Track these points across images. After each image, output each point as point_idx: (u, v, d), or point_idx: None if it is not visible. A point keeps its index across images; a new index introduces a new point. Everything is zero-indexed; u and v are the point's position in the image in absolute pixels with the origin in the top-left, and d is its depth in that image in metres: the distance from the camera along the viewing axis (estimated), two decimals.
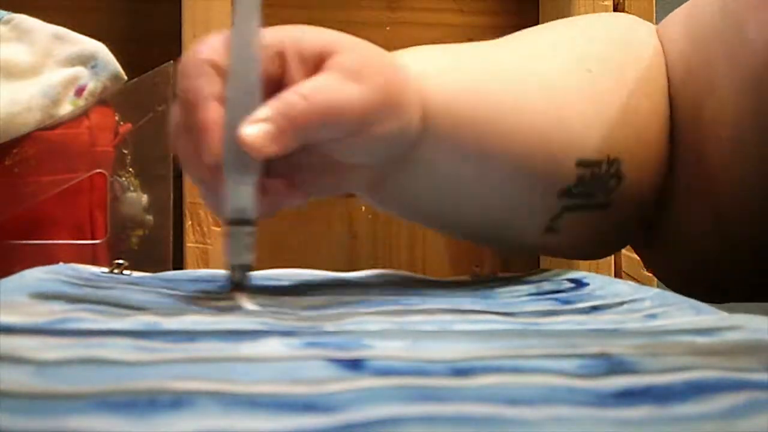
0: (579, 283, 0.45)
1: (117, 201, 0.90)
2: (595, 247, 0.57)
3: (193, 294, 0.41)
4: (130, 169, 0.90)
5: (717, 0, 0.52)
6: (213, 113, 0.40)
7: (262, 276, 0.49)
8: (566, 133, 0.49)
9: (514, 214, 0.50)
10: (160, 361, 0.26)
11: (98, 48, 0.74)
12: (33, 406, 0.21)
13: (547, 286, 0.45)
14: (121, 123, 0.76)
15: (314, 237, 1.22)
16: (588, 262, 1.14)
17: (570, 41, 0.53)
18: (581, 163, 0.49)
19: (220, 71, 0.40)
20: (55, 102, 0.72)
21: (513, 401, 0.22)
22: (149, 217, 0.94)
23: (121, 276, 0.48)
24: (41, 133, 0.71)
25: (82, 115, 0.74)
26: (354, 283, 0.48)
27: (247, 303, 0.38)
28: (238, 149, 0.39)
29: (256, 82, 0.40)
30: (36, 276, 0.41)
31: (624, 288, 0.42)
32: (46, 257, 0.64)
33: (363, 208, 1.11)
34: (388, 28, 1.21)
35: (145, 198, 0.94)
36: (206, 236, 1.10)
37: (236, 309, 0.37)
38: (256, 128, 0.39)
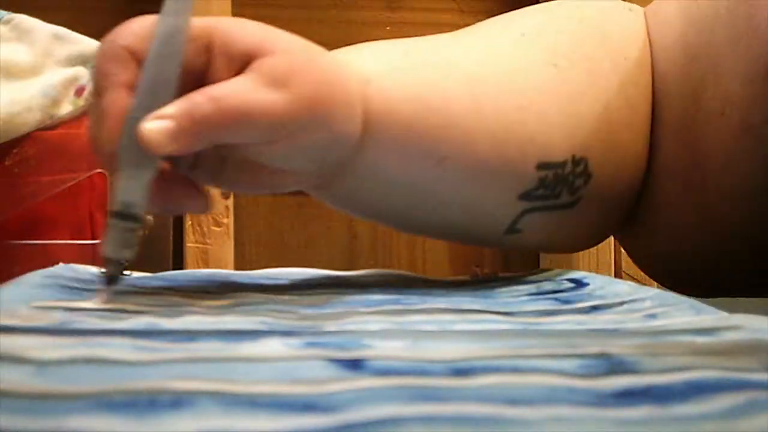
0: (579, 283, 0.45)
1: None
2: (566, 243, 0.56)
3: (193, 294, 0.41)
4: None
5: None
6: (118, 101, 0.38)
7: (262, 276, 0.49)
8: (525, 135, 0.48)
9: (472, 217, 0.49)
10: (160, 361, 0.26)
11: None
12: (33, 406, 0.21)
13: (547, 286, 0.45)
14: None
15: (314, 237, 1.22)
16: (588, 262, 1.14)
17: (538, 33, 0.51)
18: (542, 166, 0.48)
19: (138, 59, 0.39)
20: (55, 102, 0.72)
21: (513, 401, 0.22)
22: (149, 217, 0.94)
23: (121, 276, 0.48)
24: (41, 133, 0.71)
25: (82, 115, 0.74)
26: (354, 283, 0.48)
27: (99, 301, 0.36)
28: (136, 142, 0.37)
29: (173, 75, 0.38)
30: (35, 282, 0.41)
31: (624, 288, 0.42)
32: (46, 257, 0.64)
33: None
34: (388, 28, 1.21)
35: None
36: (206, 236, 1.10)
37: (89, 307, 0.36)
38: (157, 124, 0.37)
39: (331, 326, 0.33)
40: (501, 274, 0.52)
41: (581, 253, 1.07)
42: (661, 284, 0.57)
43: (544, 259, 1.17)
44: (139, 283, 0.45)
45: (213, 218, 1.10)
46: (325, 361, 0.26)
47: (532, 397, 0.23)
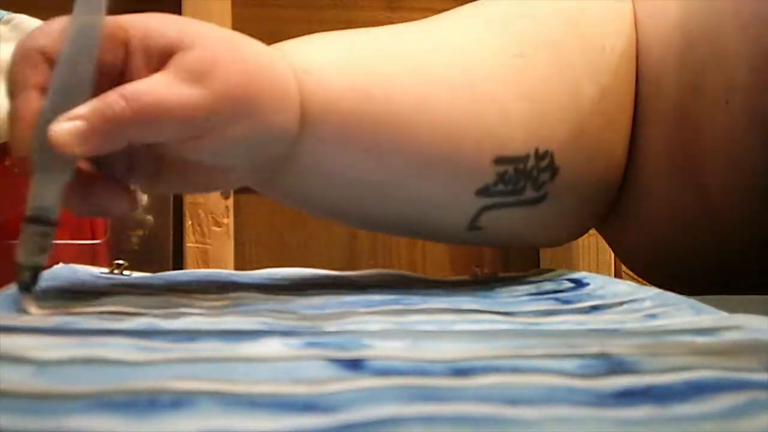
0: (579, 283, 0.45)
1: None
2: (539, 239, 0.54)
3: (193, 294, 0.41)
4: None
5: None
6: (29, 103, 0.37)
7: (262, 276, 0.49)
8: (481, 128, 0.46)
9: (428, 213, 0.48)
10: (160, 361, 0.26)
11: None
12: (33, 406, 0.21)
13: (547, 286, 0.45)
14: None
15: (314, 237, 1.22)
16: (588, 262, 1.14)
17: (504, 21, 0.49)
18: (500, 160, 0.46)
19: (50, 60, 0.38)
20: None
21: (513, 401, 0.22)
22: (149, 217, 0.94)
23: (121, 276, 0.48)
24: None
25: None
26: (354, 283, 0.48)
27: (31, 306, 0.36)
28: (48, 145, 0.37)
29: (87, 74, 0.37)
30: (44, 289, 0.41)
31: (624, 288, 0.42)
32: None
33: None
34: None
35: (145, 198, 0.94)
36: (206, 236, 1.10)
37: (22, 312, 0.35)
38: (68, 125, 0.37)
39: (331, 326, 0.33)
40: (501, 274, 0.52)
41: (581, 253, 1.07)
42: (648, 281, 0.56)
43: (544, 259, 1.17)
44: (139, 283, 0.45)
45: (213, 218, 1.11)
46: (325, 361, 0.26)
47: (532, 397, 0.23)
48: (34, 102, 0.37)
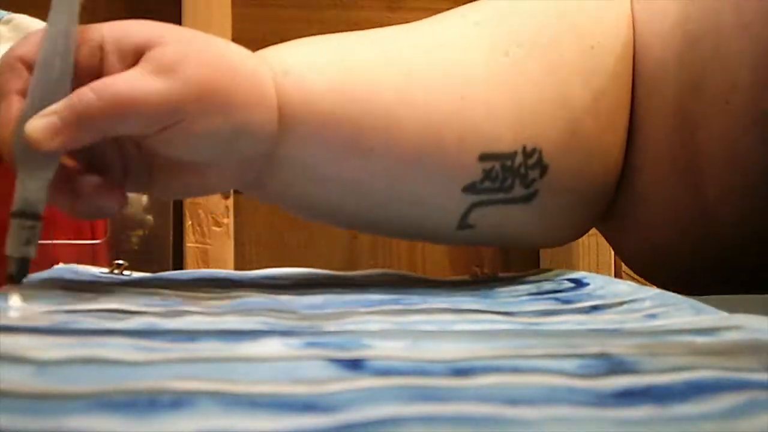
0: (579, 283, 0.45)
1: None
2: (534, 239, 0.54)
3: (193, 294, 0.41)
4: None
5: None
6: (11, 107, 0.39)
7: (262, 276, 0.49)
8: (465, 125, 0.46)
9: (417, 212, 0.48)
10: (160, 361, 0.26)
11: None
12: (33, 406, 0.21)
13: (547, 285, 0.45)
14: None
15: (314, 237, 1.22)
16: (588, 262, 1.14)
17: (493, 22, 0.49)
18: (486, 157, 0.46)
19: (30, 67, 0.40)
20: None
21: (513, 401, 0.22)
22: (149, 217, 0.94)
23: (121, 276, 0.48)
24: None
25: None
26: (354, 283, 0.48)
27: (15, 299, 0.36)
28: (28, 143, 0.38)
29: (64, 76, 0.39)
30: (35, 284, 0.41)
31: (624, 288, 0.42)
32: (46, 257, 0.64)
33: None
34: None
35: (145, 198, 0.94)
36: (206, 236, 1.10)
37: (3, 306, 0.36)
38: (41, 121, 0.38)
39: (331, 326, 0.33)
40: (501, 274, 0.52)
41: (581, 253, 1.07)
42: (648, 281, 0.56)
43: (544, 259, 1.17)
44: (139, 283, 0.45)
45: (213, 218, 1.11)
46: (325, 361, 0.26)
47: (532, 397, 0.23)
48: (15, 106, 0.39)
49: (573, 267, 1.00)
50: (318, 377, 0.24)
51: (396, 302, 0.40)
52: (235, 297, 0.40)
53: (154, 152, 0.42)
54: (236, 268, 1.08)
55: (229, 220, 1.13)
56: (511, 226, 0.50)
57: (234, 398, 0.22)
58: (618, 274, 1.06)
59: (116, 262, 0.49)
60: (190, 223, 1.09)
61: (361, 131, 0.45)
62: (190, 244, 1.10)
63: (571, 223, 0.53)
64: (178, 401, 0.21)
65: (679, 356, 0.27)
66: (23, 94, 0.39)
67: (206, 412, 0.21)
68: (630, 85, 0.51)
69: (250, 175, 0.45)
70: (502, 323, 0.36)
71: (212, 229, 1.10)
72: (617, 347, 0.28)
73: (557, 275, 0.48)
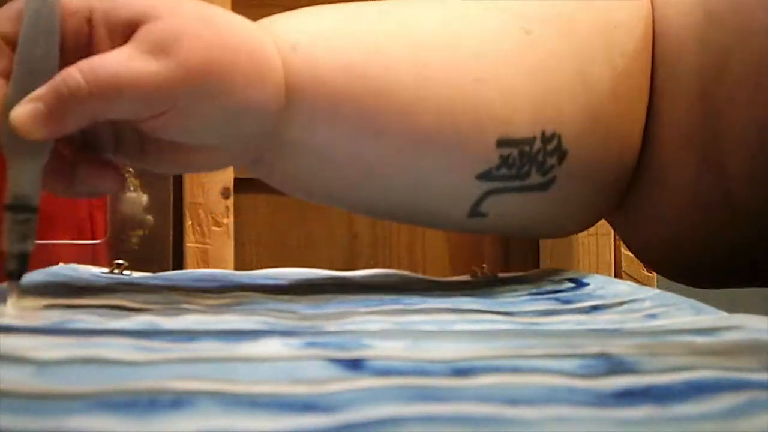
0: (579, 283, 0.45)
1: (117, 201, 0.90)
2: (546, 229, 0.52)
3: (193, 294, 0.41)
4: (130, 169, 0.90)
5: None
6: None
7: (262, 275, 0.49)
8: (482, 108, 0.44)
9: (428, 198, 0.46)
10: (160, 361, 0.26)
11: None
12: (33, 406, 0.21)
13: (547, 286, 0.45)
14: None
15: (314, 237, 1.22)
16: (588, 262, 1.14)
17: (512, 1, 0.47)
18: (504, 143, 0.44)
19: (12, 45, 0.36)
20: None
21: (513, 401, 0.22)
22: (149, 217, 0.94)
23: (121, 276, 0.48)
24: None
25: None
26: (354, 282, 0.48)
27: (13, 299, 0.35)
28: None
29: (50, 54, 0.36)
30: (36, 280, 0.41)
31: (624, 288, 0.42)
32: (46, 257, 0.64)
33: None
34: None
35: (145, 198, 0.94)
36: (206, 236, 1.10)
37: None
38: (26, 109, 0.35)
39: (331, 326, 0.33)
40: (501, 274, 0.52)
41: (581, 253, 1.07)
42: (659, 273, 0.54)
43: (544, 259, 1.17)
44: (139, 283, 0.45)
45: (213, 218, 1.11)
46: (325, 361, 0.26)
47: (532, 397, 0.23)
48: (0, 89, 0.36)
49: (573, 267, 1.00)
50: (318, 377, 0.24)
51: (396, 302, 0.40)
52: (235, 297, 0.40)
53: (150, 132, 0.39)
54: (236, 268, 1.07)
55: (229, 220, 1.13)
56: (523, 215, 0.48)
57: (234, 398, 0.22)
58: (618, 274, 1.06)
59: (116, 262, 0.49)
60: (190, 223, 1.09)
61: (373, 111, 0.42)
62: (190, 244, 1.10)
63: (584, 212, 0.51)
64: (178, 401, 0.21)
65: (679, 356, 0.27)
66: (6, 75, 0.36)
67: (206, 412, 0.21)
68: (650, 67, 0.49)
69: (254, 154, 0.42)
70: (502, 323, 0.36)
71: (212, 229, 1.10)
72: (617, 347, 0.28)
73: (557, 275, 0.48)
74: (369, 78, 0.42)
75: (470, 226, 0.48)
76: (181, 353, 0.27)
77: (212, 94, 0.38)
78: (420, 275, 0.52)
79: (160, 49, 0.37)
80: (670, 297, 0.38)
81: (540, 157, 0.45)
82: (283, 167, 0.44)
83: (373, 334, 0.32)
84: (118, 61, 0.36)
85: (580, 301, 0.41)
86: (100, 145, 0.40)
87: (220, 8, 0.40)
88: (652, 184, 0.50)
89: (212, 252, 1.10)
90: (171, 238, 1.01)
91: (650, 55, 0.49)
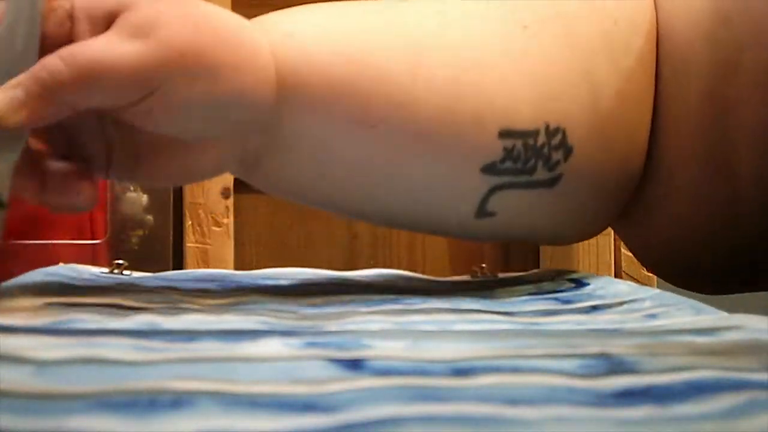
0: (579, 283, 0.45)
1: (117, 201, 0.90)
2: (555, 231, 0.50)
3: (193, 294, 0.41)
4: None
5: None
6: None
7: (262, 275, 0.49)
8: (481, 97, 0.43)
9: (433, 197, 0.44)
10: (160, 361, 0.26)
11: None
12: (33, 406, 0.21)
13: (547, 286, 0.45)
14: None
15: (314, 237, 1.22)
16: (588, 262, 1.14)
17: None
18: (506, 134, 0.43)
19: None
20: None
21: (513, 401, 0.22)
22: (149, 217, 0.94)
23: (121, 276, 0.48)
24: None
25: None
26: (354, 283, 0.48)
27: None
28: None
29: (28, 47, 0.36)
30: (36, 279, 0.41)
31: (624, 288, 0.42)
32: (46, 257, 0.64)
33: None
34: None
35: (145, 198, 0.94)
36: (206, 236, 1.10)
37: None
38: (3, 95, 0.35)
39: (331, 326, 0.33)
40: (501, 274, 0.52)
41: (581, 253, 1.07)
42: (660, 277, 0.54)
43: (544, 259, 1.17)
44: (139, 282, 0.45)
45: (213, 218, 1.11)
46: (325, 361, 0.26)
47: (532, 397, 0.23)
48: None
49: (573, 267, 1.00)
50: (318, 377, 0.24)
51: (396, 302, 0.40)
52: (235, 297, 0.40)
53: (137, 130, 0.39)
54: (236, 268, 1.07)
55: (229, 220, 1.13)
56: (532, 216, 0.47)
57: (234, 398, 0.22)
58: (618, 274, 1.06)
59: (116, 262, 0.49)
60: (190, 223, 1.09)
61: (368, 101, 0.41)
62: (190, 244, 1.10)
63: (593, 213, 0.50)
64: (178, 401, 0.21)
65: (679, 356, 0.27)
66: None
67: (206, 412, 0.21)
68: (654, 65, 0.48)
69: (245, 155, 0.42)
70: (502, 323, 0.36)
71: (212, 229, 1.10)
72: (617, 347, 0.28)
73: (557, 275, 0.48)
74: (362, 66, 0.41)
75: (478, 229, 0.47)
76: (181, 353, 0.27)
77: (196, 76, 0.37)
78: (420, 275, 0.52)
79: (140, 31, 0.36)
80: (670, 297, 0.38)
81: (545, 151, 0.44)
82: (276, 167, 0.43)
83: (373, 334, 0.32)
84: (98, 46, 0.36)
85: (580, 301, 0.41)
86: (92, 159, 0.40)
87: (203, 1, 0.40)
88: (657, 185, 0.49)
89: (212, 252, 1.10)
90: (171, 238, 1.01)
91: (654, 55, 0.48)
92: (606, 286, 0.43)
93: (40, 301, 0.36)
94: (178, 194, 1.07)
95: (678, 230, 0.50)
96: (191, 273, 0.51)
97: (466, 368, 0.25)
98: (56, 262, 0.48)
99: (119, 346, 0.28)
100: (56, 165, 0.39)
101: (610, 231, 1.03)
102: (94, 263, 0.51)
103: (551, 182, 0.45)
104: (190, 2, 0.39)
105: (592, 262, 1.09)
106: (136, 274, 0.49)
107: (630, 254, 0.93)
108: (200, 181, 0.40)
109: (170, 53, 0.37)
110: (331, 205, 0.47)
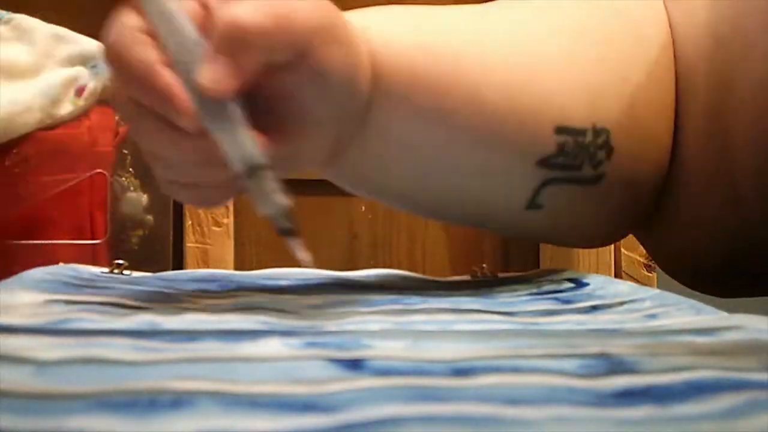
0: (579, 283, 0.45)
1: (117, 201, 0.90)
2: (588, 230, 0.52)
3: (193, 294, 0.41)
4: (130, 169, 0.90)
5: None
6: (170, 77, 0.36)
7: (262, 275, 0.49)
8: (541, 96, 0.46)
9: (489, 187, 0.47)
10: (160, 361, 0.26)
11: (98, 48, 0.74)
12: (33, 406, 0.21)
13: (547, 285, 0.45)
14: (122, 123, 0.76)
15: (314, 237, 1.22)
16: (588, 262, 1.14)
17: (550, 7, 0.50)
18: (561, 130, 0.46)
19: (152, 35, 0.37)
20: (55, 102, 0.72)
21: (513, 401, 0.22)
22: (149, 217, 0.94)
23: (121, 276, 0.48)
24: (41, 133, 0.71)
25: (82, 115, 0.74)
26: (354, 283, 0.48)
27: (303, 252, 0.37)
28: (206, 101, 0.36)
29: (193, 32, 0.36)
30: (36, 277, 0.41)
31: (624, 288, 0.42)
32: (46, 257, 0.64)
33: (363, 207, 1.11)
34: None
35: (145, 198, 0.94)
36: (206, 236, 1.10)
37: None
38: (207, 69, 0.36)
39: (331, 326, 0.33)
40: (501, 274, 0.52)
41: (581, 253, 1.07)
42: (682, 284, 0.55)
43: (544, 259, 1.17)
44: (139, 282, 0.45)
45: (213, 218, 1.11)
46: (325, 361, 0.26)
47: (532, 397, 0.23)
48: (170, 75, 0.36)
49: (573, 267, 1.00)
50: (318, 377, 0.24)
51: (396, 302, 0.40)
52: (235, 297, 0.40)
53: (267, 111, 0.39)
54: (236, 268, 1.07)
55: (229, 220, 1.13)
56: (575, 213, 0.49)
57: (234, 398, 0.22)
58: (618, 274, 1.06)
59: (116, 262, 0.49)
60: (190, 223, 1.09)
61: (445, 92, 0.44)
62: (190, 244, 1.10)
63: (627, 215, 0.52)
64: (178, 401, 0.21)
65: (679, 356, 0.27)
66: (167, 63, 0.36)
67: (206, 412, 0.21)
68: (674, 78, 0.51)
69: (338, 146, 0.43)
70: (502, 323, 0.35)
71: (212, 229, 1.10)
72: (617, 347, 0.28)
73: (557, 275, 0.48)
74: (439, 57, 0.44)
75: (526, 221, 0.49)
76: (181, 353, 0.27)
77: (336, 41, 0.39)
78: (420, 275, 0.52)
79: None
80: (670, 297, 0.38)
81: (591, 150, 0.47)
82: (359, 156, 0.45)
83: (373, 334, 0.32)
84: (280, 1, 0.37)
85: (580, 301, 0.41)
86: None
87: None
88: (673, 196, 0.51)
89: (212, 252, 1.10)
90: (171, 238, 1.01)
91: (673, 68, 0.51)
92: (606, 286, 0.43)
93: (40, 300, 0.36)
94: None
95: (690, 241, 0.52)
96: (191, 273, 0.51)
97: (466, 368, 0.25)
98: (56, 262, 0.48)
99: (119, 346, 0.28)
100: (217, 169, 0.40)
101: None
102: (94, 263, 0.51)
103: (595, 179, 0.48)
104: None
105: (592, 262, 1.09)
106: (136, 274, 0.49)
107: (630, 254, 0.93)
108: (296, 172, 0.40)
109: (324, 12, 0.39)
110: (398, 200, 0.49)
